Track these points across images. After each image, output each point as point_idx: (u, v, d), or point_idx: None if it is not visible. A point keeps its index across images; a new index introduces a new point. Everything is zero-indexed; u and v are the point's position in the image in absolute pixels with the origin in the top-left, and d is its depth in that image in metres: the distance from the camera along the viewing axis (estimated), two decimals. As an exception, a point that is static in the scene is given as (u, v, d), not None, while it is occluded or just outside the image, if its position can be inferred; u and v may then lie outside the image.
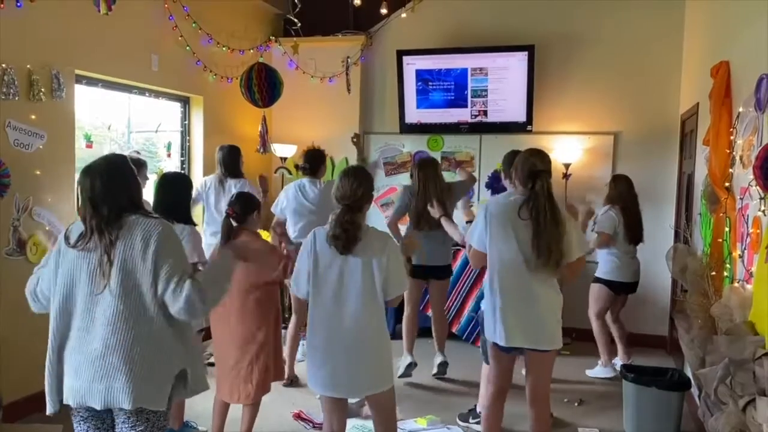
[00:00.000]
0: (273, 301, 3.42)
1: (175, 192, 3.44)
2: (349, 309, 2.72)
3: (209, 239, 4.83)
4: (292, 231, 4.86)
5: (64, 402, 2.22)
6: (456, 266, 5.69)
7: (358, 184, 2.78)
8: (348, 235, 2.71)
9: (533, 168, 2.96)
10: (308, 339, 2.82)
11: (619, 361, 5.05)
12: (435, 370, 4.77)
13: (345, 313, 2.72)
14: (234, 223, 3.17)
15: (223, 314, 3.28)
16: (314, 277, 2.76)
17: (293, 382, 4.64)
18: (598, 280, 5.00)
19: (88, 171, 2.24)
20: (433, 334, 4.86)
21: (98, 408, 2.15)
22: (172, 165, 5.74)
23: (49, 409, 2.23)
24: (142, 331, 2.14)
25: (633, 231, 4.91)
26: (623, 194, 4.93)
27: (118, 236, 2.16)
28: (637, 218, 4.97)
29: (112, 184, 2.21)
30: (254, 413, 3.44)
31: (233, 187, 4.91)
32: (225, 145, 5.19)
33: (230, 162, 5.04)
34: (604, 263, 4.97)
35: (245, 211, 3.28)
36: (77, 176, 4.33)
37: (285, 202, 4.88)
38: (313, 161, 4.86)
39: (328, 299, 2.74)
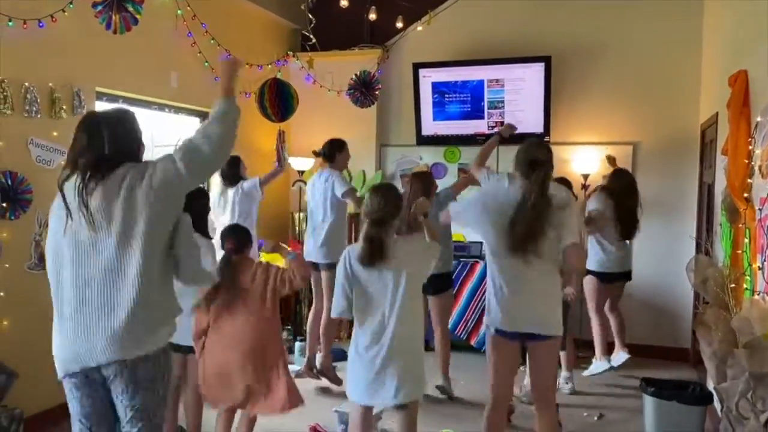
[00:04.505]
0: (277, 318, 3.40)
1: (194, 206, 3.48)
2: (390, 320, 2.85)
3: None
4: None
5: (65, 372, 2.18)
6: (473, 279, 5.68)
7: (381, 199, 2.91)
8: (372, 247, 2.84)
9: (533, 158, 2.99)
10: (352, 350, 2.96)
11: (616, 356, 5.02)
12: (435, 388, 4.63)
13: (387, 324, 2.85)
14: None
15: (231, 338, 3.23)
16: (355, 294, 2.91)
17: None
18: (587, 272, 4.96)
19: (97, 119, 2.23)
20: (438, 355, 4.67)
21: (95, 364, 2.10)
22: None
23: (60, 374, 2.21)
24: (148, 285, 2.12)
25: (624, 225, 4.87)
26: (619, 187, 4.91)
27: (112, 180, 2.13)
28: (631, 213, 4.90)
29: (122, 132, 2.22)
30: (252, 426, 3.46)
31: (234, 195, 5.02)
32: None
33: (229, 173, 5.06)
34: (592, 255, 4.95)
35: (242, 243, 3.31)
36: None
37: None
38: (328, 148, 4.89)
39: (370, 312, 2.89)
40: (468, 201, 3.28)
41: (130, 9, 3.69)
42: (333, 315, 3.03)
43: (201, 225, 3.39)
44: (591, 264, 4.95)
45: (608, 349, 5.08)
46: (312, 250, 4.88)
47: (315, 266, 4.89)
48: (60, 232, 2.16)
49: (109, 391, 2.17)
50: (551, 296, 3.09)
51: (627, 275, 5.05)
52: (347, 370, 3.02)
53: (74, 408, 2.21)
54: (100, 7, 3.72)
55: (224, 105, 2.25)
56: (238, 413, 3.46)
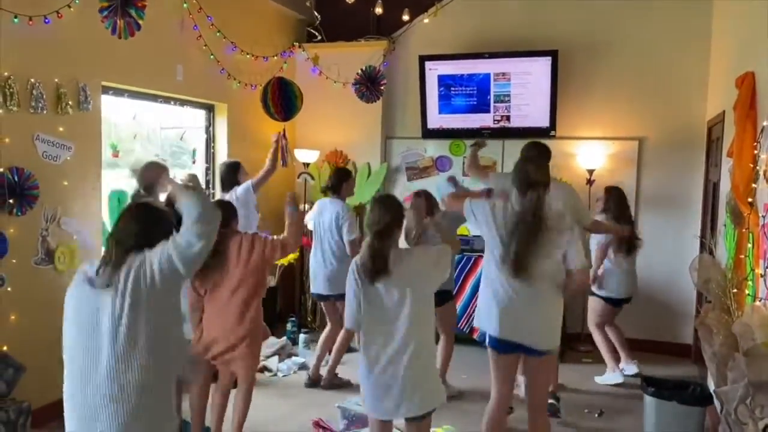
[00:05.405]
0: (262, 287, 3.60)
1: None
2: (398, 333, 2.79)
3: None
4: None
5: None
6: (476, 273, 5.70)
7: (385, 211, 2.87)
8: (374, 263, 2.80)
9: (526, 178, 3.01)
10: (362, 365, 2.90)
11: (625, 366, 5.11)
12: None
13: (395, 338, 2.79)
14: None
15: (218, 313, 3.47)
16: (365, 307, 2.85)
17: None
18: (594, 294, 5.09)
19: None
20: (439, 360, 4.59)
21: None
22: (198, 171, 5.83)
23: None
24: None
25: (627, 243, 4.97)
26: (614, 207, 5.00)
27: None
28: (630, 231, 5.01)
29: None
30: (247, 404, 3.63)
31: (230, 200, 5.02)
32: (225, 161, 5.30)
33: (227, 178, 5.07)
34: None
35: (226, 217, 3.39)
36: (104, 181, 4.47)
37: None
38: (335, 179, 4.90)
39: (377, 325, 2.84)
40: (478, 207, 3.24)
41: (134, 14, 3.72)
42: (347, 326, 2.97)
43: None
44: (597, 288, 5.05)
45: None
46: (321, 282, 4.88)
47: (324, 297, 4.94)
48: (73, 317, 2.18)
49: None
50: (550, 311, 3.09)
51: (629, 300, 5.15)
52: (360, 384, 2.98)
53: None
54: (105, 12, 3.76)
55: (200, 203, 2.21)
56: (232, 393, 3.69)
